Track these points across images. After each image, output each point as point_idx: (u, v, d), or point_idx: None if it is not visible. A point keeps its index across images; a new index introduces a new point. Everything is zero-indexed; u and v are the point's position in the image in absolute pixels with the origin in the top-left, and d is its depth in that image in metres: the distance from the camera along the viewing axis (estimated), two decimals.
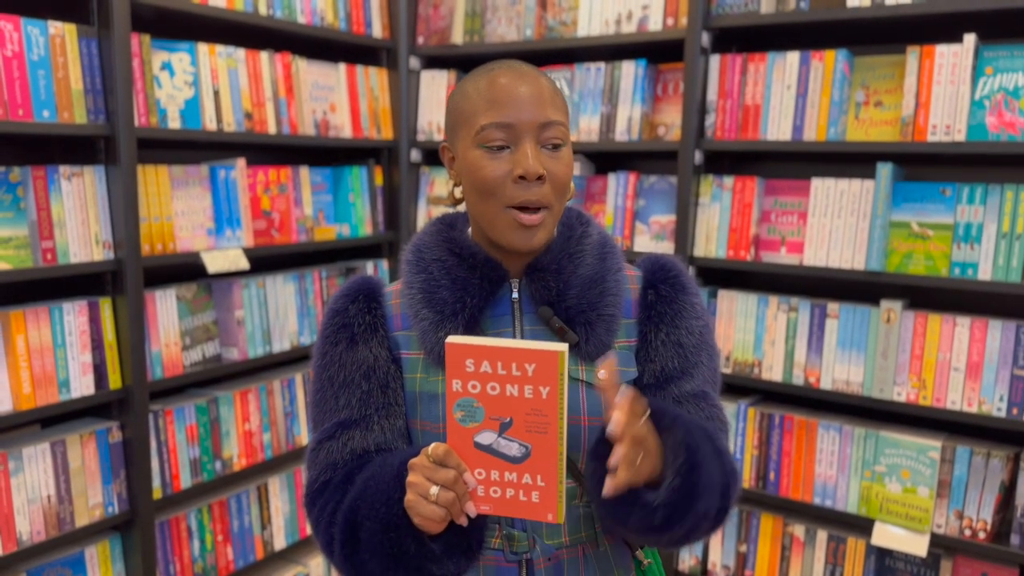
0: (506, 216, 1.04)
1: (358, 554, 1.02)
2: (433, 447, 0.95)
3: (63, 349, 1.95)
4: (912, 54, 2.04)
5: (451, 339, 0.93)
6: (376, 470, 1.03)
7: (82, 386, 1.99)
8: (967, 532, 2.04)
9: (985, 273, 2.00)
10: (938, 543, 2.09)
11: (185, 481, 2.22)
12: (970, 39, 1.97)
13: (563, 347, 0.90)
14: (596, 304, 1.08)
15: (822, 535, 2.26)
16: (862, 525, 2.19)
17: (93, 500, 2.03)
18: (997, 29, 2.04)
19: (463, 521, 0.97)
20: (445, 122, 1.12)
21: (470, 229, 1.15)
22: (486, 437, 0.95)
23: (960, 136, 1.99)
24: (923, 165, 2.22)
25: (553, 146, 1.05)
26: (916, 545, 2.08)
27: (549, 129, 1.04)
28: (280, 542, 2.51)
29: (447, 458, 0.95)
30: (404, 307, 1.13)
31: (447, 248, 1.11)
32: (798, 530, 2.29)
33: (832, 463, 2.22)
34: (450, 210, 1.20)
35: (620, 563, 1.15)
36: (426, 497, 0.94)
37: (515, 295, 1.11)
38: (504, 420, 0.94)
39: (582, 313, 1.07)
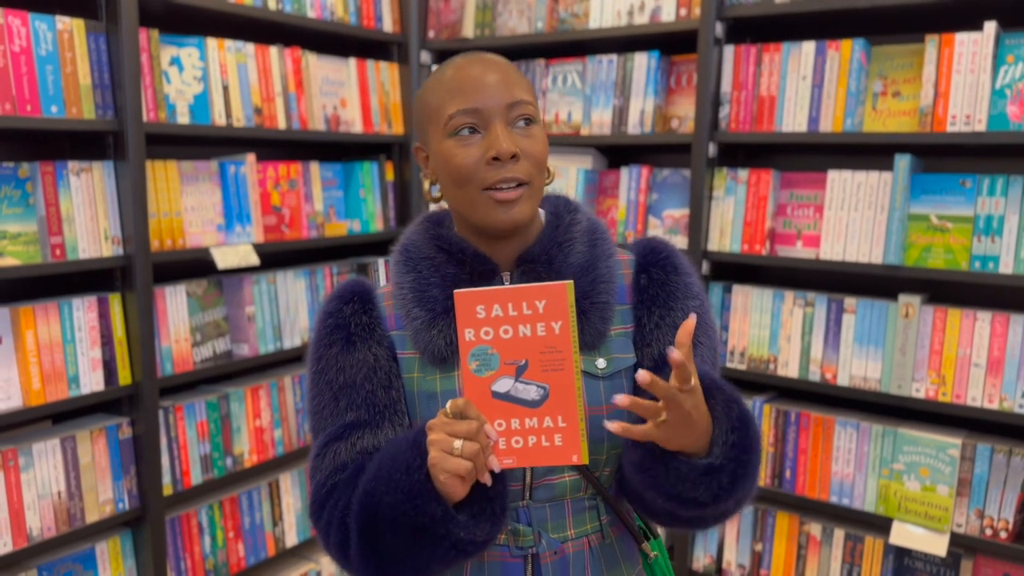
0: (483, 197, 1.03)
1: (379, 538, 0.98)
2: (451, 402, 0.94)
3: (72, 345, 1.95)
4: (931, 43, 2.00)
5: (459, 290, 0.94)
6: (388, 449, 1.01)
7: (92, 382, 1.99)
8: (988, 531, 2.00)
9: (1007, 266, 1.95)
10: (958, 543, 2.05)
11: (196, 477, 2.22)
12: (990, 27, 1.92)
13: (569, 282, 0.92)
14: (589, 292, 1.07)
15: (839, 534, 2.22)
16: (880, 524, 2.15)
17: (103, 496, 2.02)
18: (1018, 16, 1.99)
19: (486, 479, 0.95)
20: (414, 122, 1.11)
21: (456, 226, 1.13)
22: (503, 384, 0.95)
23: (980, 126, 1.95)
24: (942, 156, 2.18)
25: (525, 122, 1.03)
26: (935, 545, 2.04)
27: (517, 108, 1.03)
28: (292, 539, 2.51)
29: (467, 409, 0.94)
30: (396, 307, 1.11)
31: (435, 246, 1.09)
32: (815, 529, 2.26)
33: (849, 461, 2.18)
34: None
35: (627, 556, 1.13)
36: (450, 452, 0.92)
37: None
38: (520, 363, 0.94)
39: (575, 302, 1.05)
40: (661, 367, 1.08)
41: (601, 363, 1.07)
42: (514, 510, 1.07)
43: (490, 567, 1.07)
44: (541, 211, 1.14)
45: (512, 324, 0.93)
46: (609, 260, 1.11)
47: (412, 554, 0.98)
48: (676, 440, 0.93)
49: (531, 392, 0.94)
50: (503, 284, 1.10)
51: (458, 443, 0.92)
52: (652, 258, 1.12)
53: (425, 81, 1.09)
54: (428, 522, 0.95)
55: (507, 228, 1.04)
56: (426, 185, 1.12)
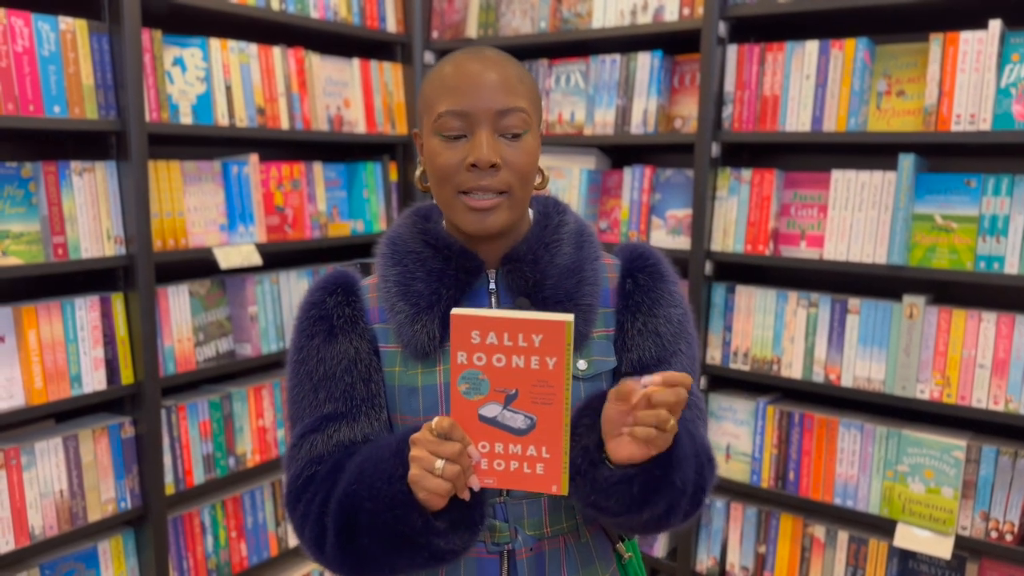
0: (458, 201, 1.03)
1: (357, 540, 0.99)
2: (437, 420, 0.93)
3: (75, 344, 1.96)
4: (935, 41, 1.99)
5: (456, 311, 0.92)
6: (371, 452, 1.01)
7: (94, 381, 1.99)
8: (993, 534, 1.98)
9: (1012, 267, 1.93)
10: (963, 545, 2.03)
11: (198, 477, 2.22)
12: (995, 25, 1.91)
13: (569, 317, 0.90)
14: (574, 294, 1.06)
15: (843, 536, 2.20)
16: (884, 526, 2.13)
17: (106, 495, 2.03)
18: (1023, 14, 1.98)
19: (466, 496, 0.95)
20: (417, 108, 1.11)
21: (444, 220, 1.13)
22: (491, 409, 0.94)
23: (985, 125, 1.93)
24: (947, 156, 2.16)
25: (512, 135, 1.02)
26: (940, 547, 2.02)
27: (507, 117, 1.01)
28: (294, 539, 2.51)
29: (452, 431, 0.93)
30: (380, 300, 1.11)
31: (422, 240, 1.09)
32: (818, 531, 2.24)
33: (853, 462, 2.16)
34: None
35: (601, 555, 1.13)
36: (431, 471, 0.92)
37: (492, 286, 1.10)
38: (510, 392, 0.93)
39: (560, 303, 1.06)
40: (641, 373, 1.09)
41: (582, 364, 1.07)
42: (491, 506, 1.07)
43: (466, 564, 1.07)
44: (530, 211, 1.14)
45: (506, 353, 0.92)
46: (595, 263, 1.10)
47: (390, 558, 0.98)
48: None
49: (518, 421, 0.94)
50: (489, 281, 1.10)
51: (440, 463, 0.92)
52: (640, 264, 1.12)
53: (431, 69, 1.09)
54: (408, 531, 0.96)
55: (479, 234, 1.04)
56: (418, 171, 1.12)
